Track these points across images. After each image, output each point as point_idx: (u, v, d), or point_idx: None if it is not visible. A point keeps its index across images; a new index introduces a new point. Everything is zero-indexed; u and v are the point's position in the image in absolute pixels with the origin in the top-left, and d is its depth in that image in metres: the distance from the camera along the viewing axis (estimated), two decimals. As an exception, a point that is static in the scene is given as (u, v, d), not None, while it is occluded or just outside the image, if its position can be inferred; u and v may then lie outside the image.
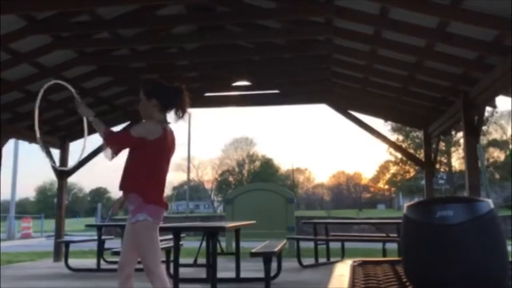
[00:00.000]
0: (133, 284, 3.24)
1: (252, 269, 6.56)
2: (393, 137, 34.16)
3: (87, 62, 7.21)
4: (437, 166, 11.07)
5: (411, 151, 29.79)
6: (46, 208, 43.23)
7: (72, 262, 8.08)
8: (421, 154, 12.29)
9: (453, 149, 36.99)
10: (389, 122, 27.95)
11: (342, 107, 9.03)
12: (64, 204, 9.86)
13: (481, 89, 5.87)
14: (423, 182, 9.86)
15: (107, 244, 8.25)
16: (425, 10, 4.74)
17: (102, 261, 7.91)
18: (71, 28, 5.99)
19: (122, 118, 9.64)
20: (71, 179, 10.33)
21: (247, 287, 5.99)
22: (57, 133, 9.57)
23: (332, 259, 8.22)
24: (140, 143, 3.15)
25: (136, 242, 3.19)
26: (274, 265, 5.68)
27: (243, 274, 6.41)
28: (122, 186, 3.26)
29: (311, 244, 8.58)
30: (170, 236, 6.38)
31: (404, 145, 32.91)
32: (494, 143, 39.82)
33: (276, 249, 5.55)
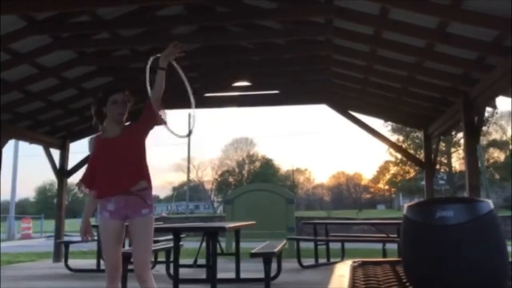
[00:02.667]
0: None
1: (252, 269, 6.55)
2: (393, 137, 34.17)
3: (87, 63, 7.21)
4: (437, 166, 11.07)
5: (411, 151, 29.79)
6: (46, 208, 43.20)
7: (72, 262, 8.08)
8: (421, 155, 12.29)
9: (453, 149, 37.02)
10: (389, 123, 28.01)
11: (342, 108, 9.03)
12: (64, 205, 9.85)
13: (481, 90, 5.87)
14: (423, 182, 9.86)
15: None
16: (425, 11, 4.73)
17: (102, 262, 7.90)
18: (71, 28, 5.99)
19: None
20: (71, 180, 10.32)
21: (247, 288, 5.98)
22: (57, 133, 9.58)
23: (332, 260, 8.21)
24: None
25: (147, 236, 3.22)
26: (274, 265, 5.67)
27: (243, 275, 6.40)
28: (137, 176, 3.22)
29: (311, 245, 8.58)
30: (170, 237, 6.38)
31: (404, 146, 32.92)
32: (494, 144, 39.85)
33: (276, 250, 5.55)
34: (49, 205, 45.38)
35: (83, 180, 3.32)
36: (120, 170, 3.20)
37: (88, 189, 3.33)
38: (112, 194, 3.18)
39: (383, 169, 53.28)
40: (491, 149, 40.13)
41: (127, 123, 3.41)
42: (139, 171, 3.24)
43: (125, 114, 3.31)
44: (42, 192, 62.03)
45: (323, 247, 8.47)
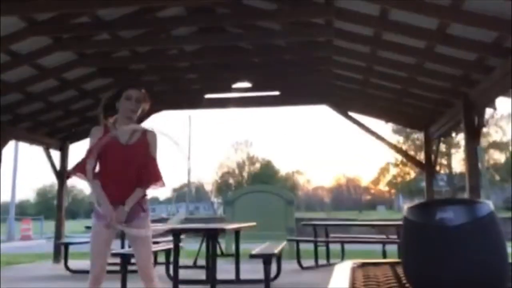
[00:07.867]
0: None
1: (252, 270, 6.54)
2: (393, 138, 34.13)
3: (87, 64, 7.21)
4: (438, 167, 11.06)
5: (412, 152, 29.76)
6: (46, 209, 43.17)
7: (72, 263, 8.07)
8: (421, 156, 12.27)
9: (453, 150, 37.01)
10: (390, 124, 27.97)
11: (343, 109, 9.03)
12: (64, 206, 9.84)
13: (481, 91, 5.87)
14: (423, 183, 9.86)
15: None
16: (425, 12, 4.74)
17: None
18: (71, 29, 5.99)
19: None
20: (71, 181, 10.31)
21: (247, 289, 5.98)
22: (57, 135, 9.57)
23: (332, 261, 8.20)
24: None
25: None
26: (274, 266, 5.67)
27: (242, 276, 6.40)
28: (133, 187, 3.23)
29: (311, 246, 8.57)
30: (170, 238, 6.37)
31: (404, 147, 32.92)
32: (494, 145, 39.82)
33: (275, 251, 5.55)
34: (49, 206, 45.36)
35: (80, 170, 3.20)
36: (124, 179, 3.20)
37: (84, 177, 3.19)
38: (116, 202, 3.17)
39: (384, 170, 53.22)
40: (491, 151, 40.09)
41: (139, 126, 3.41)
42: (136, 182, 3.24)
43: (137, 113, 3.30)
44: (42, 193, 62.01)
45: (323, 248, 8.46)
